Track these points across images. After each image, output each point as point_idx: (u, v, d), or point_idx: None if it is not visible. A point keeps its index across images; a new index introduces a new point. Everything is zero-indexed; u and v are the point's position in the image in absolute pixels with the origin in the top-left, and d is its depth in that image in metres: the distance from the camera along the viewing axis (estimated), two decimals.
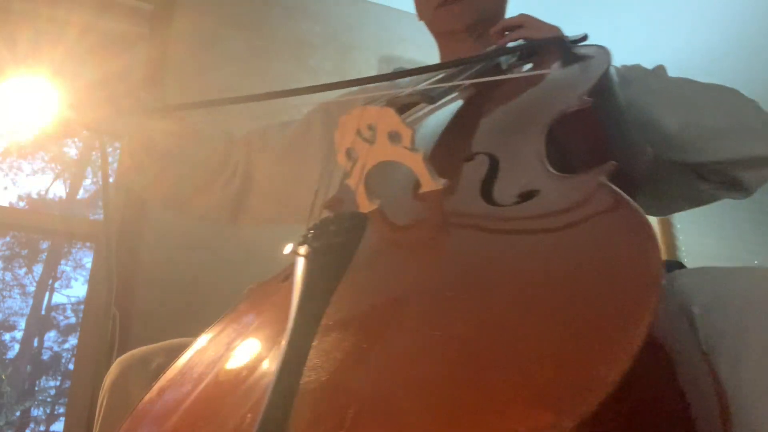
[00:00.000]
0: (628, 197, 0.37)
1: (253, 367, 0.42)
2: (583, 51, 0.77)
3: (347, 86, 0.64)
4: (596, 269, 0.33)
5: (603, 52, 0.73)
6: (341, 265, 0.40)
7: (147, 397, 0.49)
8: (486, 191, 0.49)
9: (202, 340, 0.54)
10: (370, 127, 0.55)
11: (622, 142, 0.68)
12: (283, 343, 0.35)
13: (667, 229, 2.62)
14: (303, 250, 0.43)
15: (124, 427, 0.46)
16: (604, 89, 0.65)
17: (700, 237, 2.58)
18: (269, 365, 0.40)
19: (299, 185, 0.93)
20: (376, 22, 2.33)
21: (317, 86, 0.61)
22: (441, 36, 1.02)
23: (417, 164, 0.53)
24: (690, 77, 0.87)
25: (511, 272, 0.37)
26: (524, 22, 0.86)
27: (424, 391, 0.30)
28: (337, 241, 0.42)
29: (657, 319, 0.28)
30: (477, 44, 0.96)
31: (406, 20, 2.35)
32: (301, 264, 0.42)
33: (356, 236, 0.43)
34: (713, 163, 0.79)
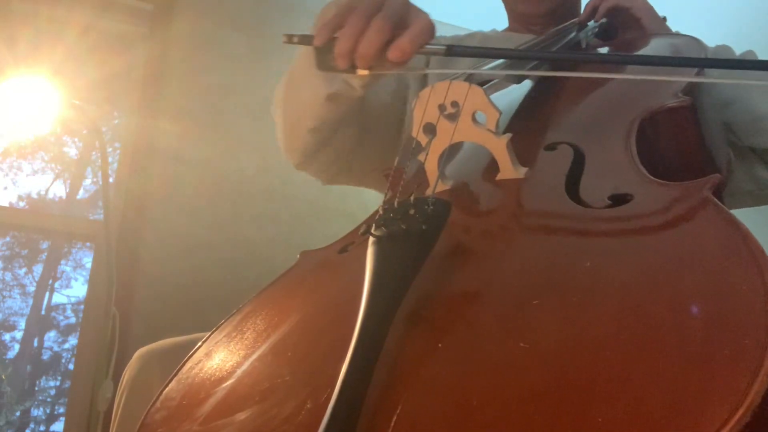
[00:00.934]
0: (736, 218, 0.33)
1: (312, 347, 0.39)
2: (672, 40, 0.71)
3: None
4: (710, 303, 0.29)
5: (697, 45, 0.67)
6: (422, 254, 0.37)
7: (190, 364, 0.45)
8: (571, 187, 0.45)
9: (253, 305, 0.49)
10: (454, 104, 0.51)
11: (711, 147, 0.63)
12: (355, 333, 0.32)
13: None
14: (379, 232, 0.39)
15: (168, 389, 0.43)
16: (699, 87, 0.60)
17: None
18: (332, 352, 0.36)
19: (395, 143, 0.87)
20: None
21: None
22: (518, 16, 1.01)
23: (500, 149, 0.50)
24: None
25: (608, 288, 0.33)
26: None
27: (502, 406, 0.27)
28: (418, 228, 0.38)
29: None
30: (547, 31, 0.92)
31: None
32: (375, 247, 0.38)
33: (439, 225, 0.39)
34: None
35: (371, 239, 0.39)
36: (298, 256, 0.55)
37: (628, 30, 0.80)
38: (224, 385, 0.40)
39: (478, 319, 0.35)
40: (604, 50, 0.78)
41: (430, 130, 0.52)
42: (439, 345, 0.33)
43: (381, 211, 0.42)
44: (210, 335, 0.47)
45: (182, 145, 1.84)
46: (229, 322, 0.48)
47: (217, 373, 0.42)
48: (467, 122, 0.51)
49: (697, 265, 0.32)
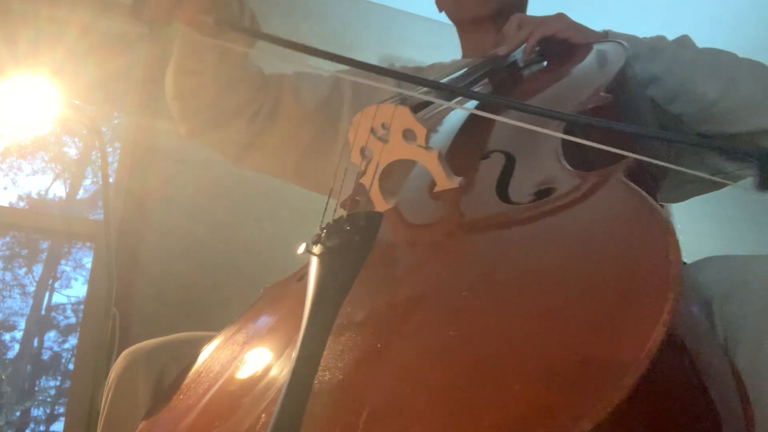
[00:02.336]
0: (645, 194, 0.37)
1: (268, 367, 0.42)
2: (600, 47, 0.76)
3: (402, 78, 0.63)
4: (616, 268, 0.32)
5: (619, 47, 0.72)
6: (356, 265, 0.40)
7: (161, 398, 0.49)
8: (501, 189, 0.48)
9: (218, 341, 0.53)
10: (384, 126, 0.54)
11: (640, 137, 0.68)
12: (297, 343, 0.34)
13: None
14: (317, 249, 0.42)
15: (140, 427, 0.46)
16: (622, 85, 0.63)
17: (698, 237, 2.58)
18: (284, 366, 0.40)
19: (315, 152, 0.91)
20: (376, 22, 2.33)
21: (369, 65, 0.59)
22: (464, 24, 1.00)
23: (432, 163, 0.52)
24: None
25: (527, 271, 0.36)
26: (525, 24, 0.84)
27: (438, 390, 0.30)
28: (352, 240, 0.41)
29: (677, 318, 0.27)
30: (499, 36, 0.93)
31: (406, 20, 2.35)
32: (314, 264, 0.41)
33: (371, 235, 0.42)
34: (747, 134, 0.77)
35: (311, 258, 0.42)
36: (262, 291, 0.59)
37: (562, 48, 0.83)
38: (192, 413, 0.44)
39: (413, 317, 0.38)
40: (544, 64, 0.83)
41: (365, 153, 0.56)
42: (378, 345, 0.36)
43: (319, 231, 0.45)
44: (178, 376, 0.52)
45: (182, 145, 1.84)
46: (197, 358, 0.53)
47: (187, 402, 0.46)
48: (398, 141, 0.54)
49: (609, 238, 0.36)
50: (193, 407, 0.44)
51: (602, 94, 0.58)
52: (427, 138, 0.53)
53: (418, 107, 0.65)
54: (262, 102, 0.90)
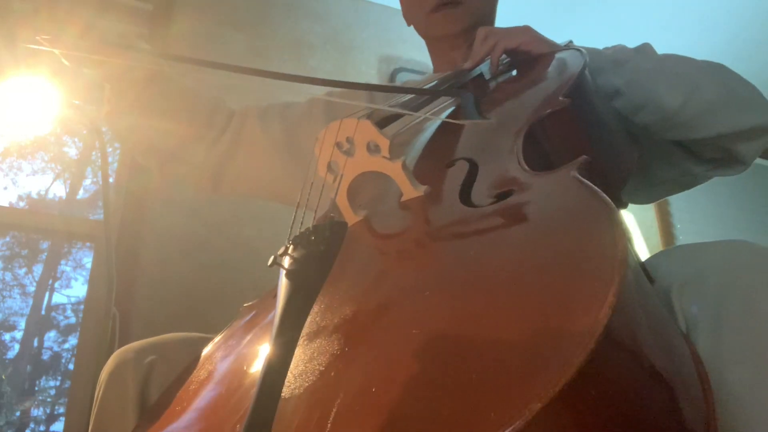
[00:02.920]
0: (595, 188, 0.38)
1: (243, 381, 0.44)
2: (561, 55, 0.78)
3: (353, 87, 0.65)
4: (565, 257, 0.33)
5: (578, 54, 0.74)
6: (321, 273, 0.41)
7: (145, 417, 0.51)
8: (464, 194, 0.50)
9: (200, 359, 0.55)
10: (349, 140, 0.56)
11: (604, 140, 0.69)
12: (267, 353, 0.35)
13: (665, 219, 2.63)
14: (285, 261, 0.44)
15: None
16: (580, 89, 0.66)
17: (696, 230, 2.58)
18: (256, 378, 0.41)
19: (292, 173, 0.92)
20: (376, 22, 2.33)
21: (323, 80, 0.61)
22: (434, 41, 1.01)
23: (397, 173, 0.54)
24: None
25: (483, 267, 0.37)
26: (490, 37, 0.85)
27: (404, 389, 0.30)
28: (316, 250, 0.42)
29: (624, 301, 0.28)
30: (470, 50, 0.93)
31: None
32: (282, 275, 0.42)
33: (335, 244, 0.43)
34: (712, 138, 0.79)
35: (281, 271, 0.43)
36: (240, 310, 0.60)
37: (529, 59, 0.85)
38: (175, 425, 0.46)
39: (379, 321, 0.39)
40: (514, 73, 0.85)
41: (332, 167, 0.58)
42: (346, 350, 0.37)
43: (286, 244, 0.46)
44: (162, 396, 0.54)
45: None
46: (178, 377, 0.54)
47: (168, 424, 0.47)
48: (363, 154, 0.55)
49: (559, 230, 0.37)
50: (176, 425, 0.45)
51: (560, 98, 0.60)
52: (390, 149, 0.54)
53: (384, 122, 0.67)
54: (220, 129, 0.92)
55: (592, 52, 0.83)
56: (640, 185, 0.90)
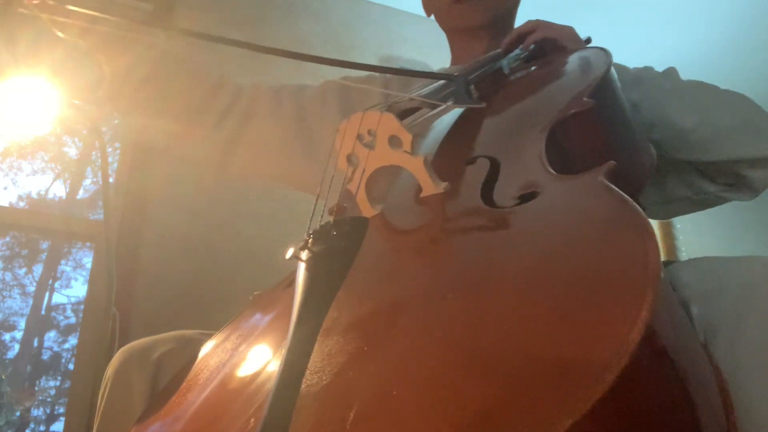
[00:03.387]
0: (626, 196, 0.37)
1: (257, 372, 0.43)
2: (584, 53, 0.77)
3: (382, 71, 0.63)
4: (595, 268, 0.32)
5: (603, 53, 0.73)
6: (342, 269, 0.40)
7: (153, 404, 0.49)
8: (486, 193, 0.49)
9: (207, 347, 0.54)
10: (370, 132, 0.55)
11: (625, 144, 0.68)
12: (284, 347, 0.35)
13: (668, 229, 2.62)
14: (304, 255, 0.43)
15: None
16: (605, 91, 0.64)
17: (700, 237, 2.58)
18: (273, 370, 0.40)
19: (303, 157, 0.91)
20: (376, 22, 2.33)
21: (346, 62, 0.60)
22: (455, 33, 1.00)
23: (418, 168, 0.53)
24: (689, 76, 0.88)
25: (509, 272, 0.36)
26: (535, 26, 0.85)
27: (423, 391, 0.30)
28: (338, 245, 0.42)
29: (656, 317, 0.27)
30: (492, 43, 0.94)
31: (406, 20, 2.35)
32: (302, 269, 0.42)
33: (357, 240, 0.42)
34: (724, 162, 0.80)
35: (300, 264, 0.43)
36: (251, 298, 0.59)
37: (550, 51, 0.84)
38: (182, 419, 0.44)
39: (399, 321, 0.38)
40: (533, 68, 0.84)
41: (352, 159, 0.57)
42: (365, 349, 0.36)
43: (305, 237, 0.45)
44: (170, 383, 0.53)
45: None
46: (188, 365, 0.53)
47: (175, 411, 0.46)
48: (384, 148, 0.55)
49: (588, 238, 0.36)
50: (183, 413, 0.44)
51: (585, 99, 0.59)
52: (413, 144, 0.53)
53: (405, 114, 0.66)
54: (226, 105, 0.90)
55: (617, 67, 0.84)
56: (656, 201, 0.90)
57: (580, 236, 0.37)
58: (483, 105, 0.63)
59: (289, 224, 1.88)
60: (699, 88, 0.84)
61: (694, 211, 0.92)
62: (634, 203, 0.36)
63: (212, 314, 1.72)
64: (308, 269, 0.41)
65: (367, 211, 0.55)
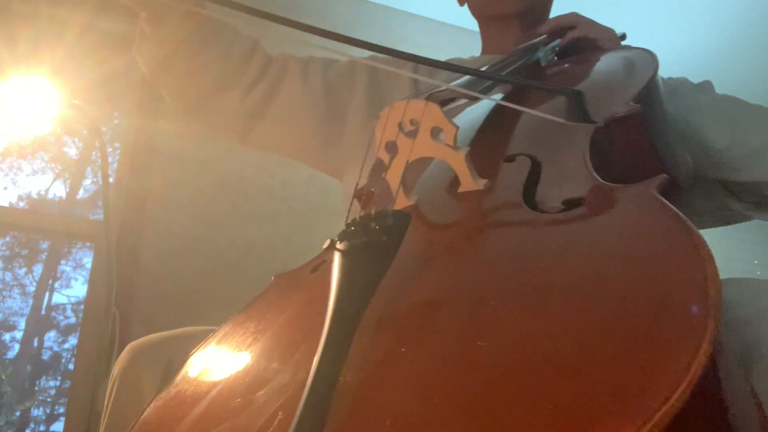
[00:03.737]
0: (681, 213, 0.35)
1: (283, 362, 0.41)
2: (626, 54, 0.74)
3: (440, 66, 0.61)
4: (652, 293, 0.31)
5: (649, 56, 0.70)
6: (383, 265, 0.39)
7: (168, 386, 0.47)
8: (528, 195, 0.47)
9: (227, 328, 0.51)
10: (413, 122, 0.53)
11: (666, 152, 0.66)
12: (321, 342, 0.33)
13: None
14: (343, 246, 0.41)
15: (143, 416, 0.45)
16: (651, 96, 0.62)
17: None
18: (302, 363, 0.38)
19: (326, 133, 0.89)
20: (376, 22, 2.33)
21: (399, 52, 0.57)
22: (488, 20, 0.98)
23: (459, 163, 0.51)
24: (689, 77, 0.87)
25: (558, 286, 0.35)
26: (577, 21, 0.84)
27: (466, 402, 0.29)
28: (379, 239, 0.40)
29: (714, 350, 0.26)
30: (525, 33, 0.92)
31: (406, 20, 2.35)
32: (339, 260, 0.40)
33: (399, 236, 0.41)
34: (753, 183, 0.78)
35: (336, 254, 0.41)
36: (273, 278, 0.57)
37: (587, 47, 0.83)
38: (201, 404, 0.42)
39: (439, 324, 0.36)
40: (559, 67, 0.82)
41: (391, 148, 0.54)
42: (403, 350, 0.35)
43: (345, 227, 0.44)
44: (189, 357, 0.50)
45: (182, 145, 1.84)
46: (206, 345, 0.50)
47: (193, 395, 0.44)
48: (426, 138, 0.53)
49: (641, 258, 0.34)
50: (202, 397, 0.42)
51: (630, 103, 0.56)
52: (455, 137, 0.51)
53: (443, 104, 0.63)
54: (257, 74, 0.88)
55: None
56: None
57: (632, 252, 0.35)
58: (599, 124, 0.58)
59: (289, 224, 1.88)
60: (733, 105, 0.82)
61: (714, 226, 0.89)
62: (690, 223, 0.34)
63: (212, 314, 1.72)
64: (347, 262, 0.39)
65: (402, 201, 0.54)
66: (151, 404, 0.46)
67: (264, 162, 1.87)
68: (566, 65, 0.81)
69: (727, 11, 2.44)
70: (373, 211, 0.43)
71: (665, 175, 0.40)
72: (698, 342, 0.26)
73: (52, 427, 2.16)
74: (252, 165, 1.88)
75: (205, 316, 1.66)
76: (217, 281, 1.74)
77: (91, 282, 1.81)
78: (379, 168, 0.56)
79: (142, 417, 0.45)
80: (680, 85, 0.86)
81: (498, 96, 0.72)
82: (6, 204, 2.12)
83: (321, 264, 0.54)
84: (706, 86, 0.86)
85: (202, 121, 0.92)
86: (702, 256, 0.31)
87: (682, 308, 0.28)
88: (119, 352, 0.70)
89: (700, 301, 0.28)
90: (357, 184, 0.57)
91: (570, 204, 0.43)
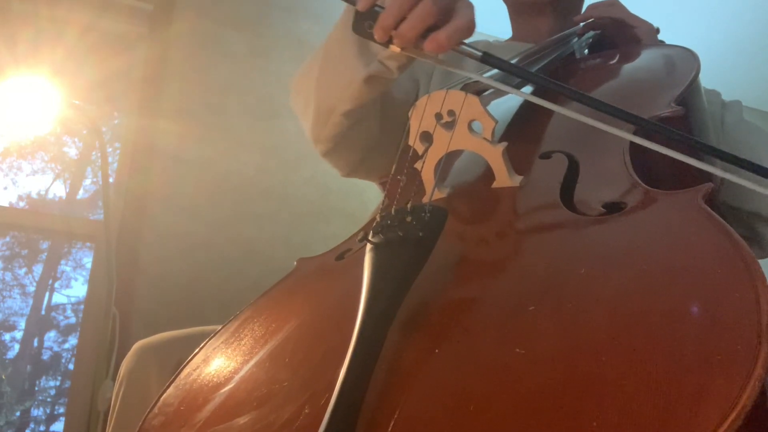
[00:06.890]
0: (729, 226, 0.33)
1: (310, 354, 0.39)
2: (666, 51, 0.71)
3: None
4: (703, 310, 0.29)
5: (691, 56, 0.67)
6: (420, 261, 0.37)
7: (188, 370, 0.45)
8: (566, 195, 0.45)
9: (248, 313, 0.49)
10: (451, 113, 0.52)
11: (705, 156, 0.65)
12: (353, 337, 0.32)
13: None
14: (376, 239, 0.39)
15: (166, 395, 0.43)
16: (693, 98, 0.60)
17: None
18: (330, 356, 0.37)
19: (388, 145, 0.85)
20: None
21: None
22: (519, 6, 0.96)
23: (495, 158, 0.50)
24: None
25: (602, 295, 0.33)
26: (614, 11, 0.82)
27: (498, 410, 0.28)
28: (415, 235, 0.39)
29: (766, 371, 0.24)
30: (558, 22, 0.90)
31: None
32: (373, 254, 0.39)
33: (436, 232, 0.39)
34: (746, 213, 0.77)
35: (369, 246, 0.40)
36: (296, 263, 0.55)
37: (622, 41, 0.80)
38: (222, 390, 0.40)
39: (475, 326, 0.35)
40: (595, 60, 0.79)
41: (427, 138, 0.53)
42: (437, 351, 0.33)
43: (378, 219, 0.42)
44: (208, 341, 0.48)
45: (182, 145, 1.84)
46: (227, 329, 0.48)
47: (215, 379, 0.42)
48: (463, 131, 0.51)
49: (690, 272, 0.32)
50: (227, 382, 0.40)
51: (672, 104, 0.54)
52: (494, 132, 0.50)
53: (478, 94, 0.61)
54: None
55: None
56: None
57: (683, 270, 0.33)
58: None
59: (289, 224, 1.88)
60: (754, 132, 0.81)
61: None
62: (738, 236, 0.32)
63: (212, 314, 1.72)
64: (381, 255, 0.38)
65: (435, 193, 0.52)
66: (170, 388, 0.44)
67: (264, 162, 1.87)
68: (603, 59, 0.78)
69: (727, 12, 2.44)
70: (409, 205, 0.42)
71: (711, 184, 0.38)
72: (751, 367, 0.24)
73: (52, 427, 2.16)
74: (252, 165, 1.88)
75: (205, 316, 1.66)
76: (217, 281, 1.74)
77: (91, 282, 1.81)
78: (412, 157, 0.54)
79: (162, 398, 0.43)
80: (711, 96, 0.84)
81: (528, 90, 0.69)
82: (6, 204, 2.11)
83: (346, 252, 0.52)
84: (735, 106, 0.84)
85: (363, 177, 0.88)
86: (753, 273, 0.29)
87: (735, 331, 0.27)
88: (119, 352, 0.70)
89: (754, 325, 0.26)
90: (390, 176, 0.55)
91: (610, 207, 0.41)
